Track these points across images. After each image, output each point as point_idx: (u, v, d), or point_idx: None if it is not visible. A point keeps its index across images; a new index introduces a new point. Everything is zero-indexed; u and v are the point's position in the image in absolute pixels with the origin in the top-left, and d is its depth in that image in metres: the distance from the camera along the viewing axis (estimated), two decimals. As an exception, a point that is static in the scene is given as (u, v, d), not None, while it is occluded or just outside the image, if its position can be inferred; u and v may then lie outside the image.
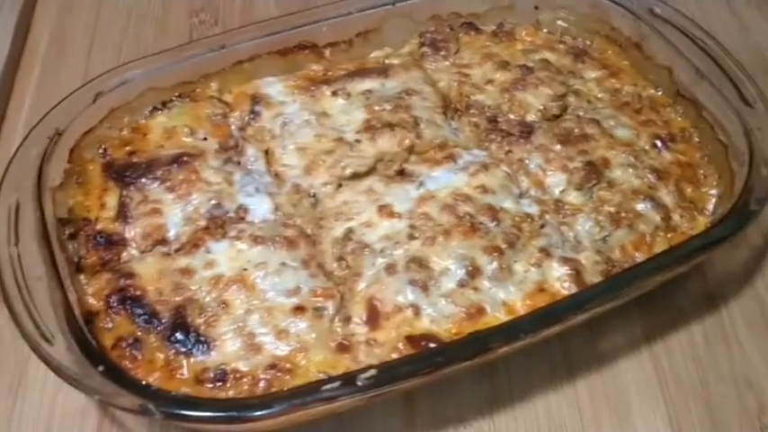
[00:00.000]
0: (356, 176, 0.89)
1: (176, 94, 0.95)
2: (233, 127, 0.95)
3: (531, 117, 0.96)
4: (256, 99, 0.96)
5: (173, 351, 0.74)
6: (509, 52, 1.04)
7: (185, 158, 0.89)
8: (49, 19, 1.21)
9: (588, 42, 1.06)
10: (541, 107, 0.96)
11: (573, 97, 0.98)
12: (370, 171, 0.90)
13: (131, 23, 1.20)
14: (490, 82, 0.99)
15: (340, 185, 0.88)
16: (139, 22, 1.20)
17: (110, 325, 0.76)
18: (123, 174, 0.88)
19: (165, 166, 0.88)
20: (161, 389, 0.69)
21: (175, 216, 0.85)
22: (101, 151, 0.90)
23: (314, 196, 0.88)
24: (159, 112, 0.94)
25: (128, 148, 0.91)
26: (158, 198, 0.86)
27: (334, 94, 0.97)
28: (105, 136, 0.91)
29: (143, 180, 0.87)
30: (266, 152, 0.93)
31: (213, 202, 0.85)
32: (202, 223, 0.84)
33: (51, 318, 0.70)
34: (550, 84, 0.98)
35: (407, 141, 0.91)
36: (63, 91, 0.91)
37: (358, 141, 0.92)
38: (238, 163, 0.91)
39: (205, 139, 0.92)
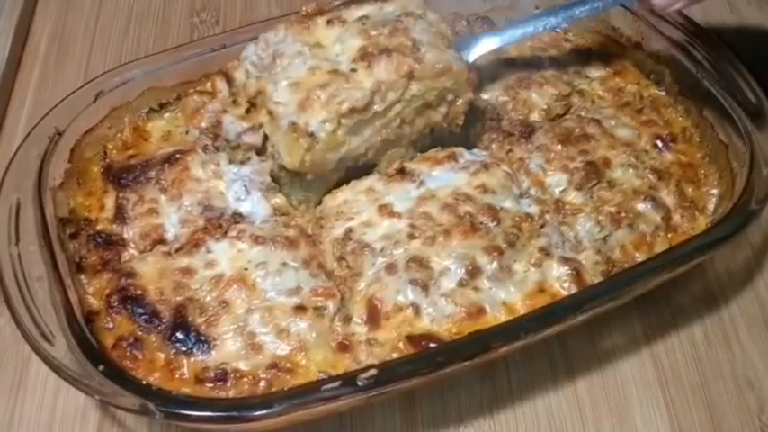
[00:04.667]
0: (353, 112, 0.83)
1: (175, 95, 0.95)
2: (209, 113, 0.93)
3: (534, 117, 0.96)
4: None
5: (173, 351, 0.74)
6: (517, 49, 1.04)
7: (177, 156, 0.88)
8: (49, 19, 1.21)
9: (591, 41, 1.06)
10: (545, 107, 0.96)
11: (577, 97, 0.98)
12: (368, 106, 0.84)
13: (132, 23, 1.20)
14: (495, 79, 0.99)
15: (340, 123, 0.83)
16: (140, 21, 1.20)
17: (110, 325, 0.76)
18: (119, 177, 0.88)
19: (158, 167, 0.88)
20: (161, 388, 0.70)
21: (172, 217, 0.85)
22: (101, 154, 0.90)
23: (312, 135, 0.83)
24: (156, 113, 0.94)
25: (130, 152, 0.91)
26: (154, 198, 0.86)
27: (329, 23, 0.90)
28: (106, 136, 0.91)
29: (138, 182, 0.87)
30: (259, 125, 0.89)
31: (205, 203, 0.85)
32: (200, 223, 0.84)
33: (52, 317, 0.71)
34: (555, 83, 0.98)
35: (406, 67, 0.85)
36: (63, 91, 0.92)
37: (354, 71, 0.85)
38: (217, 148, 0.90)
39: (187, 132, 0.92)
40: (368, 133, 0.86)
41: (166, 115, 0.95)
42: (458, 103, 0.90)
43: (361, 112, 0.84)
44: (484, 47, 0.94)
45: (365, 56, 0.86)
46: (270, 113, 0.86)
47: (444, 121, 0.91)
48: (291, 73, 0.86)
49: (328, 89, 0.84)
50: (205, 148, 0.89)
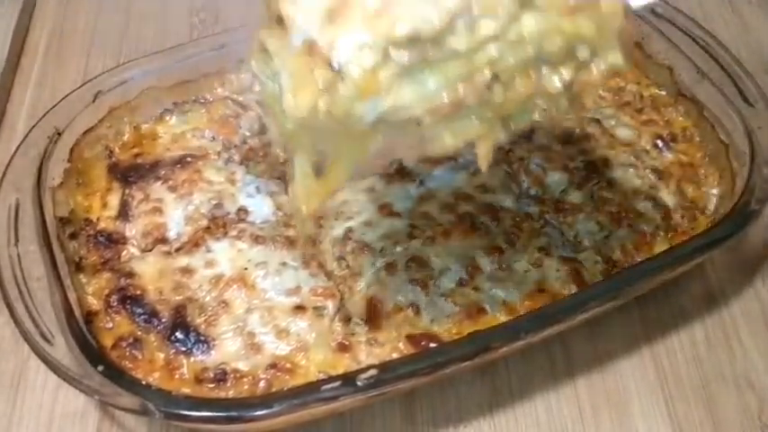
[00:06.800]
0: (414, 43, 0.50)
1: (192, 98, 0.95)
2: (242, 129, 0.94)
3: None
4: None
5: (173, 351, 0.74)
6: None
7: (189, 159, 0.89)
8: (48, 18, 1.20)
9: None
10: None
11: (578, 97, 0.98)
12: (442, 36, 0.51)
13: (131, 22, 1.19)
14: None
15: (387, 56, 0.50)
16: (139, 21, 1.20)
17: (110, 325, 0.76)
18: (127, 174, 0.88)
19: (168, 167, 0.88)
20: (161, 389, 0.69)
21: (176, 215, 0.85)
22: (107, 152, 0.90)
23: (338, 68, 0.50)
24: (170, 113, 0.94)
25: (135, 150, 0.91)
26: (160, 197, 0.86)
27: None
28: (105, 135, 0.91)
29: (146, 179, 0.87)
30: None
31: (214, 202, 0.85)
32: (204, 223, 0.84)
33: (51, 318, 0.70)
34: None
35: None
36: (63, 90, 0.91)
37: None
38: (240, 163, 0.91)
39: (213, 139, 0.92)
40: (432, 83, 0.52)
41: (183, 117, 0.94)
42: (594, 68, 0.56)
43: (429, 44, 0.51)
44: None
45: None
46: (279, 20, 0.53)
47: (564, 94, 0.57)
48: None
49: None
50: (228, 161, 0.90)
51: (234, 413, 0.66)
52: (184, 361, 0.74)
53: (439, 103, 0.52)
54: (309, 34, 0.51)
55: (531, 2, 0.51)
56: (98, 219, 0.85)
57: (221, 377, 0.72)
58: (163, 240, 0.83)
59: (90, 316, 0.76)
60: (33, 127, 0.85)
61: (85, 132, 0.88)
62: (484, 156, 0.56)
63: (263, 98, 0.56)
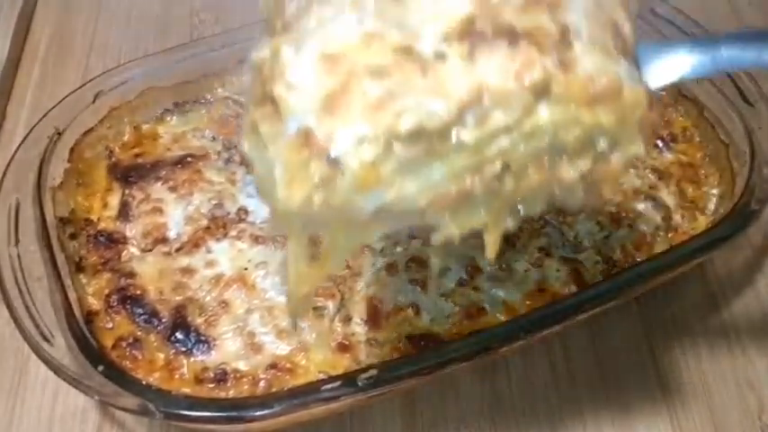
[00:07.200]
0: (419, 136, 0.46)
1: (193, 99, 0.95)
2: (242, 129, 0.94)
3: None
4: None
5: (173, 351, 0.74)
6: None
7: (189, 159, 0.89)
8: (49, 18, 1.20)
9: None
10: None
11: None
12: (448, 128, 0.46)
13: (131, 23, 1.19)
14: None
15: (389, 149, 0.46)
16: (139, 21, 1.20)
17: (110, 325, 0.76)
18: (127, 175, 0.88)
19: (168, 167, 0.88)
20: (161, 389, 0.69)
21: (177, 215, 0.85)
22: (107, 152, 0.90)
23: (335, 162, 0.46)
24: (170, 113, 0.94)
25: (135, 150, 0.91)
26: (160, 197, 0.86)
27: None
28: (105, 136, 0.91)
29: (146, 180, 0.87)
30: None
31: (214, 202, 0.86)
32: (204, 223, 0.84)
33: (51, 318, 0.70)
34: None
35: (538, 72, 0.46)
36: (63, 90, 0.91)
37: (441, 57, 0.46)
38: (240, 163, 0.91)
39: (214, 139, 0.92)
40: (436, 175, 0.48)
41: (183, 117, 0.95)
42: (613, 159, 0.51)
43: (435, 137, 0.46)
44: (683, 65, 0.53)
45: (468, 34, 0.46)
46: (273, 101, 0.47)
47: (580, 185, 0.52)
48: (331, 34, 0.47)
49: (386, 82, 0.46)
50: (228, 161, 0.90)
51: (234, 413, 0.66)
52: (184, 361, 0.74)
53: (444, 193, 0.48)
54: (305, 122, 0.46)
55: (548, 92, 0.46)
56: (98, 219, 0.85)
57: (221, 377, 0.72)
58: (163, 240, 0.83)
59: (90, 316, 0.76)
60: (33, 127, 0.85)
61: (86, 132, 0.88)
62: (491, 245, 0.53)
63: (255, 179, 0.52)
